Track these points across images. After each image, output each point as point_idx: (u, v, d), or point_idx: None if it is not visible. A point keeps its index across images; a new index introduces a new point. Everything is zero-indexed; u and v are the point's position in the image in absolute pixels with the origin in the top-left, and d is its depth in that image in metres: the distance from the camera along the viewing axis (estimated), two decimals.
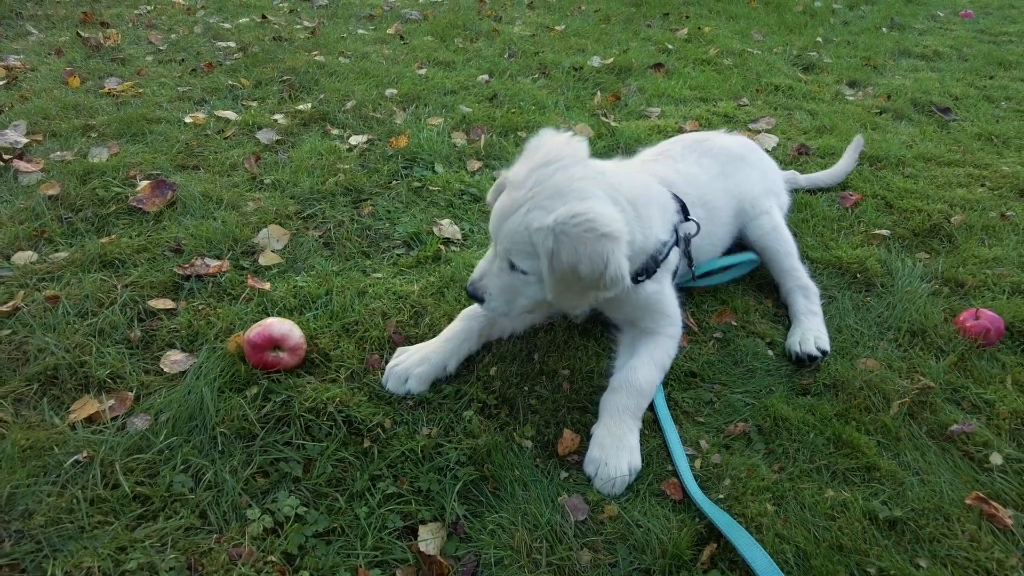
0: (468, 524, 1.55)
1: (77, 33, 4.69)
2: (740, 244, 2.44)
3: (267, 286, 2.18)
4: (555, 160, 1.72)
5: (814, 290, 2.24)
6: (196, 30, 5.02)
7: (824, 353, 2.02)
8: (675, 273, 2.08)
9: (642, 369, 1.84)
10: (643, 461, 1.70)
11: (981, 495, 1.61)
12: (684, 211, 2.07)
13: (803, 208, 2.78)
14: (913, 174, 3.17)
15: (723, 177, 2.34)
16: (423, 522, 1.55)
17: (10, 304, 2.04)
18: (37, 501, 1.51)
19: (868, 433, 1.80)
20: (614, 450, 1.69)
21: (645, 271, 1.89)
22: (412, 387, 1.86)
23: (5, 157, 2.85)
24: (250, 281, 2.18)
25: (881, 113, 3.97)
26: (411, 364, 1.87)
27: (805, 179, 2.92)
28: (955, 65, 5.05)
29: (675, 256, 2.03)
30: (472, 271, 1.87)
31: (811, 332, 2.07)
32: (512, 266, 1.75)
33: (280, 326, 1.86)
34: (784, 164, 3.23)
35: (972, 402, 1.91)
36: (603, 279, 1.62)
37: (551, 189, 1.67)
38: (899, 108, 4.03)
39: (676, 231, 2.01)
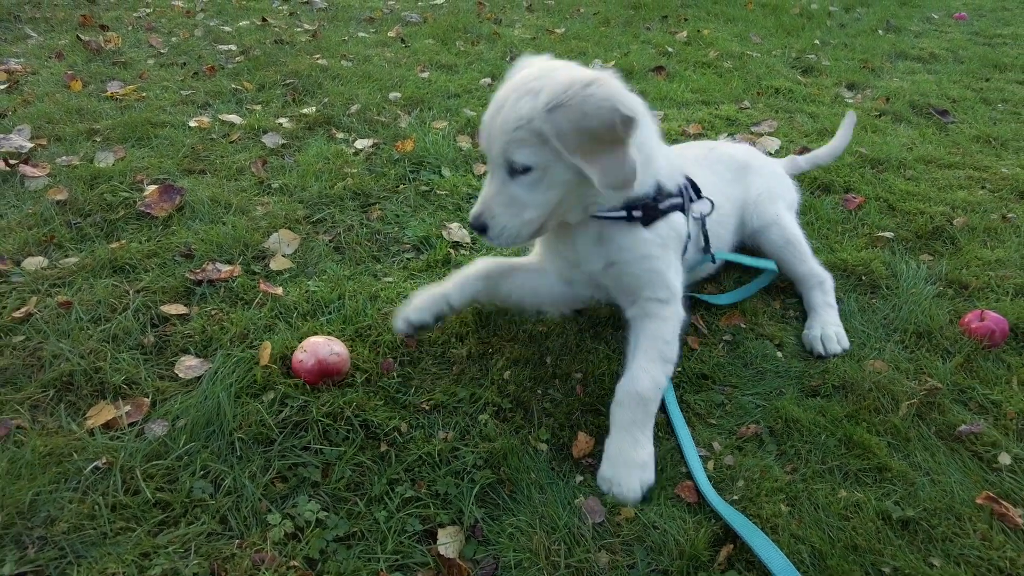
0: (487, 527, 1.57)
1: (77, 36, 4.68)
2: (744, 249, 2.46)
3: (279, 291, 2.19)
4: (543, 70, 1.68)
5: (830, 283, 2.29)
6: (196, 33, 5.01)
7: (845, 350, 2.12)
8: (685, 247, 2.02)
9: (644, 374, 1.78)
10: (658, 468, 1.71)
11: (991, 495, 1.64)
12: (696, 190, 2.07)
13: (808, 211, 2.81)
14: (914, 176, 3.21)
15: (731, 184, 2.36)
16: (441, 525, 1.56)
17: (23, 310, 2.05)
18: (59, 507, 1.51)
19: (878, 434, 1.82)
20: (624, 468, 1.67)
21: (642, 207, 1.83)
22: (411, 316, 1.92)
23: (11, 162, 2.84)
24: (262, 286, 2.19)
25: (880, 115, 4.01)
26: (414, 300, 1.95)
27: (805, 160, 2.90)
28: (951, 67, 5.10)
29: (682, 222, 1.95)
30: None
31: (831, 329, 2.13)
32: (511, 172, 1.66)
33: (326, 345, 1.86)
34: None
35: (979, 403, 1.93)
36: (619, 125, 1.54)
37: (538, 76, 1.63)
38: (898, 110, 4.07)
39: (683, 193, 1.97)
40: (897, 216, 2.86)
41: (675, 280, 1.93)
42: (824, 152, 2.93)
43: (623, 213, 1.82)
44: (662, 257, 1.90)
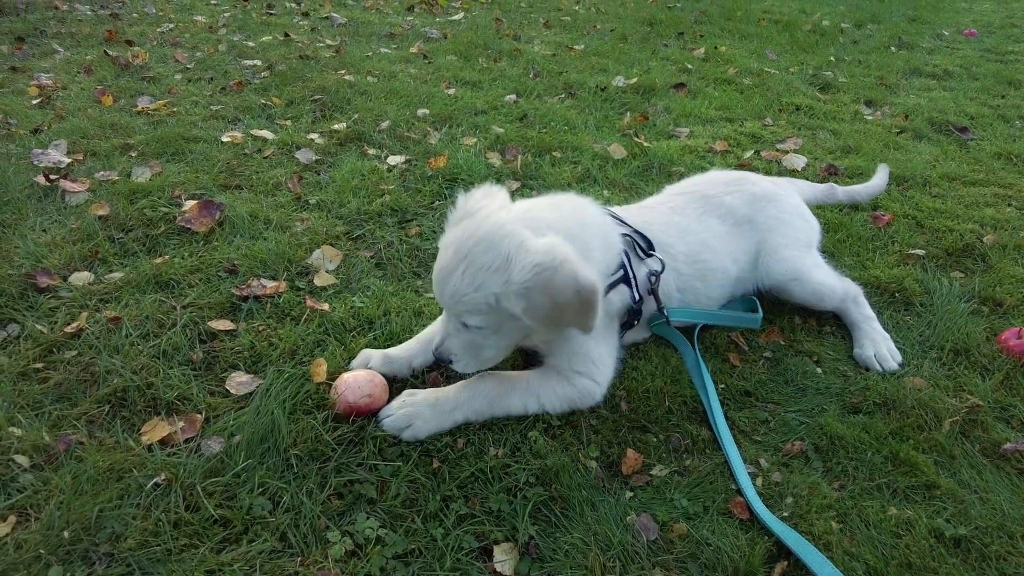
0: (541, 543, 1.58)
1: (105, 52, 4.74)
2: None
3: (326, 307, 2.21)
4: (475, 210, 1.77)
5: (862, 296, 2.32)
6: (220, 48, 5.07)
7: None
8: (633, 311, 2.01)
9: (508, 380, 1.86)
10: (707, 483, 1.73)
11: None
12: (648, 246, 2.04)
13: (838, 228, 2.84)
14: (940, 194, 3.23)
15: (728, 238, 2.25)
16: (496, 542, 1.58)
17: (74, 325, 2.07)
18: (123, 524, 1.53)
19: (924, 451, 1.84)
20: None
21: None
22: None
23: (51, 177, 2.88)
24: (309, 302, 2.21)
25: (900, 132, 4.05)
26: (376, 363, 1.97)
27: (844, 193, 2.90)
28: (966, 84, 5.14)
29: (617, 296, 1.96)
30: None
31: (883, 346, 2.18)
32: (465, 325, 1.76)
33: (357, 388, 1.84)
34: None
35: (1021, 420, 1.95)
36: (582, 295, 1.63)
37: (481, 242, 1.68)
38: (917, 127, 4.11)
39: (626, 267, 1.96)
40: (926, 233, 2.88)
41: (600, 355, 1.92)
42: (862, 191, 2.94)
43: None
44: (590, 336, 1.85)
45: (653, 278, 2.03)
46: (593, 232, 1.90)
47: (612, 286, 1.94)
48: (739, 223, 2.28)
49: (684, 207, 2.27)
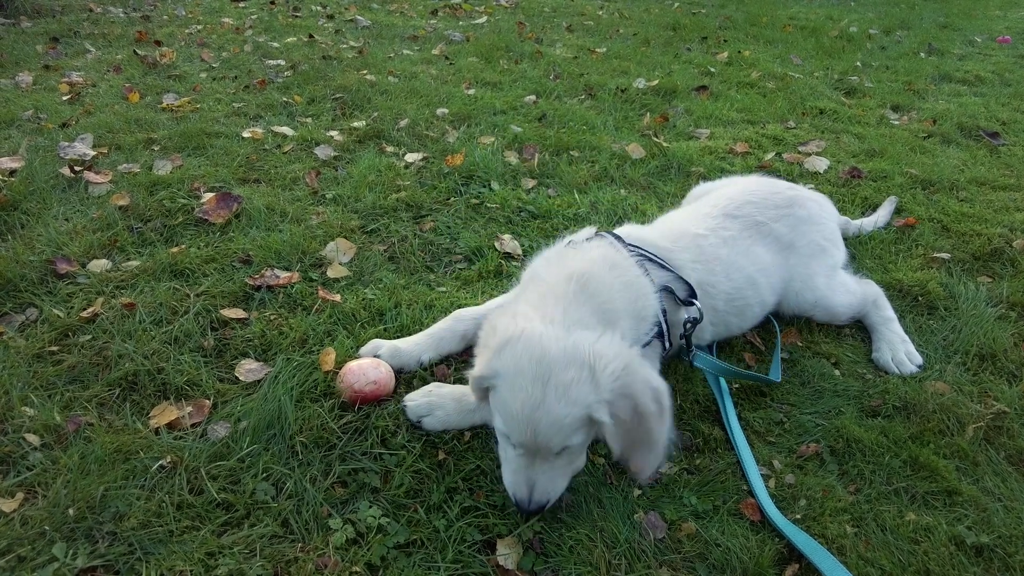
0: (546, 539, 1.55)
1: (134, 51, 4.84)
2: None
3: (338, 298, 2.21)
4: (522, 335, 1.54)
5: (882, 298, 2.28)
6: (246, 48, 5.15)
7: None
8: (666, 351, 1.91)
9: None
10: (718, 484, 1.69)
11: None
12: (690, 294, 1.94)
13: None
14: (968, 198, 3.15)
15: (771, 270, 2.16)
16: (500, 536, 1.55)
17: (90, 310, 2.10)
18: (127, 504, 1.53)
19: (945, 457, 1.78)
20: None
21: None
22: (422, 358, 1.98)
23: (76, 169, 2.94)
24: (321, 293, 2.22)
25: (928, 137, 3.96)
26: (384, 352, 1.95)
27: (855, 227, 2.78)
28: (998, 90, 5.02)
29: (653, 348, 1.86)
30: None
31: (901, 349, 2.12)
32: (556, 453, 1.53)
33: (363, 375, 1.84)
34: (836, 187, 3.24)
35: None
36: (658, 399, 1.52)
37: (557, 362, 1.48)
38: (946, 132, 4.01)
39: (662, 325, 1.85)
40: (952, 237, 2.80)
41: None
42: (868, 225, 2.82)
43: None
44: None
45: (688, 326, 1.90)
46: (622, 300, 1.75)
47: (646, 344, 1.81)
48: (782, 249, 2.20)
49: (736, 238, 2.12)
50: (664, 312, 1.86)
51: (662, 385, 1.54)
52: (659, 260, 1.94)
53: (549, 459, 1.53)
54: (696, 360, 1.94)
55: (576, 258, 1.81)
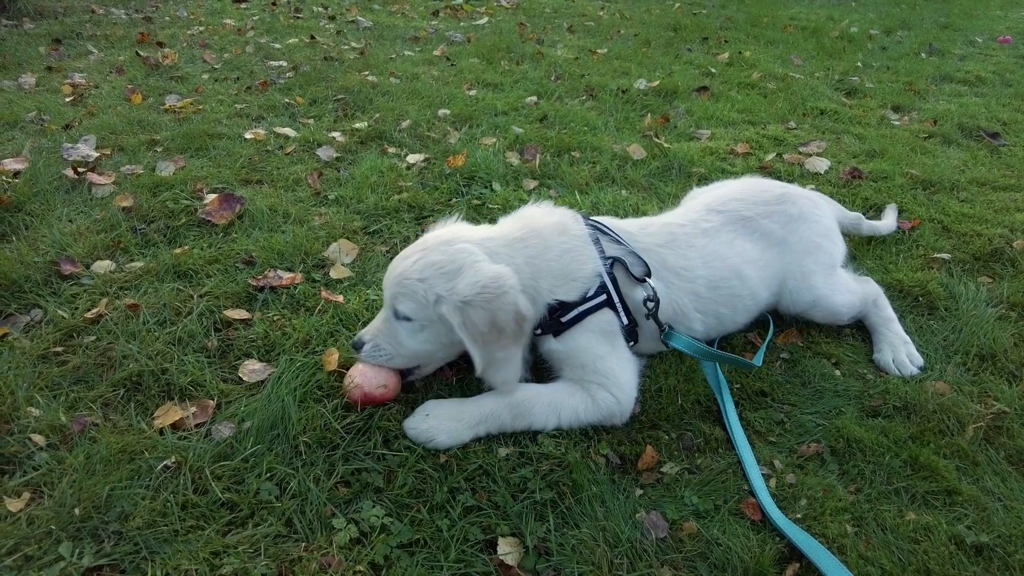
0: (548, 538, 1.56)
1: (136, 53, 4.86)
2: None
3: (341, 299, 2.22)
4: (442, 236, 1.88)
5: (882, 298, 2.28)
6: (248, 50, 5.16)
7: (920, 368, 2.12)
8: (627, 334, 1.94)
9: (530, 395, 1.83)
10: (719, 483, 1.69)
11: None
12: (647, 272, 1.97)
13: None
14: (968, 198, 3.16)
15: (761, 263, 2.17)
16: (502, 535, 1.56)
17: (94, 311, 2.11)
18: (132, 503, 1.54)
19: (945, 457, 1.78)
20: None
21: (541, 326, 1.89)
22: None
23: (79, 170, 2.95)
24: (324, 294, 2.23)
25: (928, 138, 3.97)
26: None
27: (868, 227, 2.76)
28: (999, 91, 5.03)
29: (605, 316, 1.92)
30: None
31: (902, 351, 2.12)
32: (396, 315, 1.83)
33: (375, 378, 1.85)
34: (836, 188, 3.24)
35: None
36: (516, 319, 1.73)
37: (441, 245, 1.81)
38: (946, 132, 4.02)
39: (610, 292, 1.92)
40: (952, 238, 2.81)
41: (612, 367, 1.88)
42: (882, 228, 2.79)
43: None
44: (588, 347, 1.89)
45: (651, 304, 1.94)
46: (556, 258, 1.91)
47: (594, 309, 1.90)
48: (772, 245, 2.19)
49: (718, 230, 2.14)
50: (615, 282, 1.93)
51: (529, 313, 1.78)
52: (614, 236, 2.01)
53: (390, 318, 1.84)
54: (671, 340, 1.97)
55: (535, 218, 2.00)
